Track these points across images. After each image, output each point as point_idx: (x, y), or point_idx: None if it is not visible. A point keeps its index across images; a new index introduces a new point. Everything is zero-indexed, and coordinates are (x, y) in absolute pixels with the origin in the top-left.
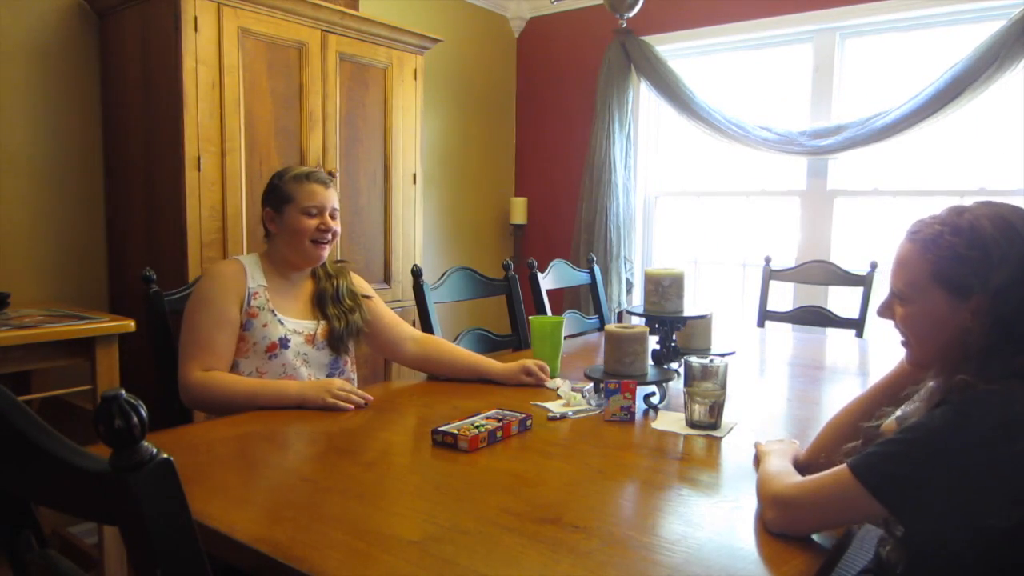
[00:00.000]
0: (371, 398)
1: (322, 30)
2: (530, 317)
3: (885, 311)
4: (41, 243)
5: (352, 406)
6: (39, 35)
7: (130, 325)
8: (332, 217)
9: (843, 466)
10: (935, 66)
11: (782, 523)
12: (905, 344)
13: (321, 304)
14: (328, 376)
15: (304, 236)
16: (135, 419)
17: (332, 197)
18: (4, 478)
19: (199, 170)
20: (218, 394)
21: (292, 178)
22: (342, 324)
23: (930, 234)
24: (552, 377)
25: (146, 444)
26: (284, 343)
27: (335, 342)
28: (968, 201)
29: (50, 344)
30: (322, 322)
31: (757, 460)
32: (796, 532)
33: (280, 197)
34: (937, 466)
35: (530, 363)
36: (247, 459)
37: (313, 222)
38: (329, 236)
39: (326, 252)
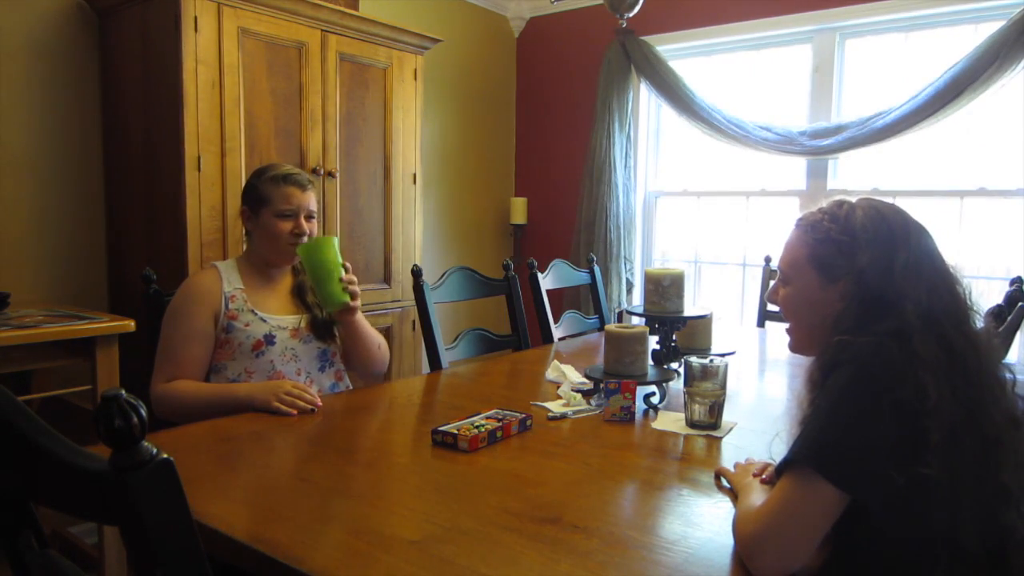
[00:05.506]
0: (319, 403)
1: (322, 30)
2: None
3: (772, 294)
4: (41, 243)
5: (296, 412)
6: (39, 35)
7: (130, 325)
8: (308, 219)
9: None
10: (935, 66)
11: (772, 562)
12: (788, 331)
13: (301, 295)
14: (320, 370)
15: (278, 240)
16: (135, 419)
17: (309, 200)
18: (4, 478)
19: (199, 170)
20: (176, 403)
21: (270, 179)
22: (323, 311)
23: (812, 220)
24: (336, 303)
25: (146, 444)
26: (270, 340)
27: (320, 330)
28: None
29: (50, 344)
30: (305, 314)
31: (732, 490)
32: (791, 562)
33: (256, 198)
34: (861, 422)
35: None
36: (247, 459)
37: (287, 225)
38: (304, 240)
39: None
